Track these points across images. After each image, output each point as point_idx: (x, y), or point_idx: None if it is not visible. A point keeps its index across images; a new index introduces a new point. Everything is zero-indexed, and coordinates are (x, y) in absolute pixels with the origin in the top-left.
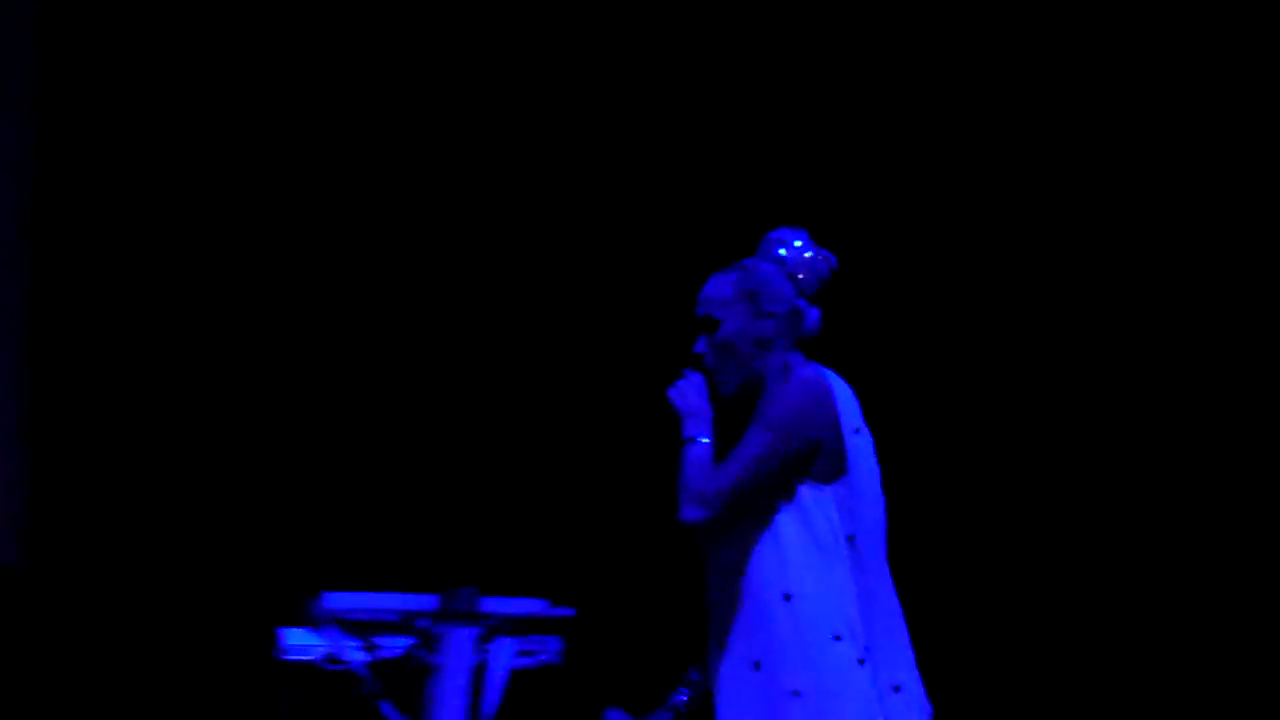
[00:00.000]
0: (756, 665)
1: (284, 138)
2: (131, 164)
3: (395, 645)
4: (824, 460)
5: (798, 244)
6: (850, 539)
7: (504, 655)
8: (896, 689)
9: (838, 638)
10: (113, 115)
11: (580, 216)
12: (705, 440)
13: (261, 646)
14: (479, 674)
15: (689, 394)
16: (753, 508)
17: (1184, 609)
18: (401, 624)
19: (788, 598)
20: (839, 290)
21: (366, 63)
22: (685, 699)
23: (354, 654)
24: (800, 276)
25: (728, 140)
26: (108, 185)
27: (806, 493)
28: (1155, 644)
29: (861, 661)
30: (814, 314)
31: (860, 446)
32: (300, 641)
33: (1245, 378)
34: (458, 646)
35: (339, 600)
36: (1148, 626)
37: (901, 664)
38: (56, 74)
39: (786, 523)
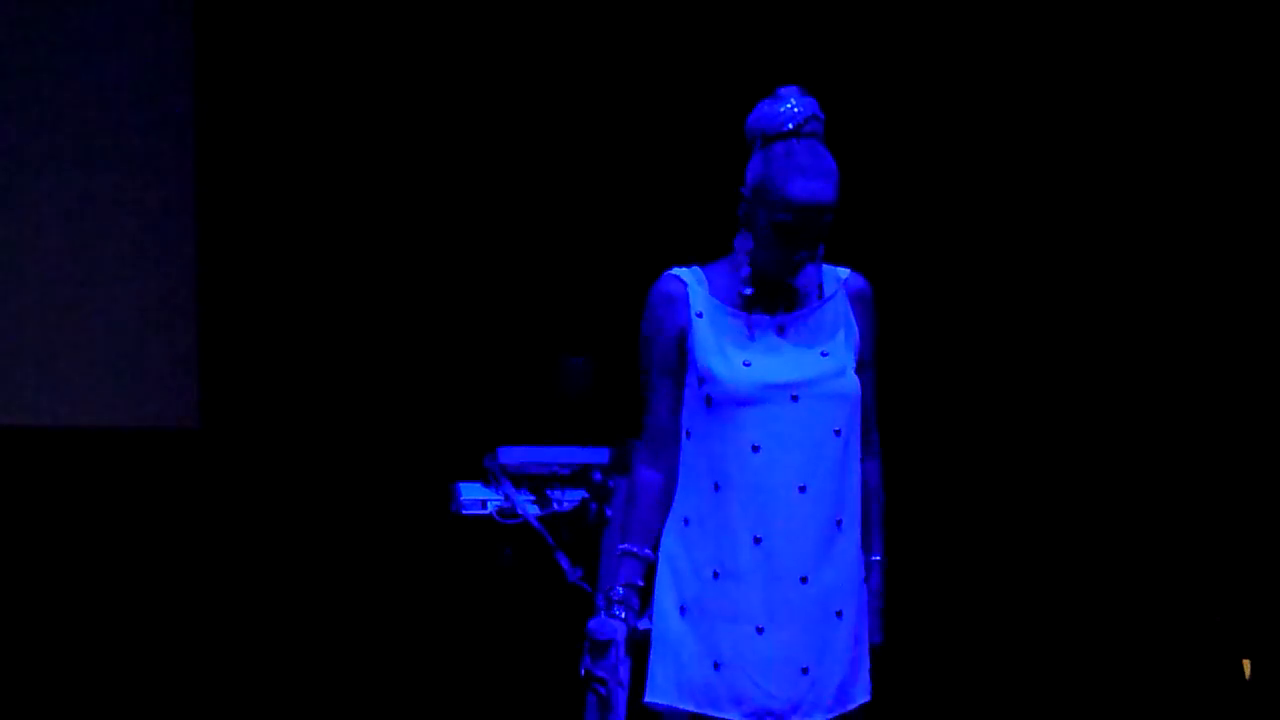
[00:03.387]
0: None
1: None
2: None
3: (568, 498)
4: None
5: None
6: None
7: None
8: (759, 630)
9: (715, 574)
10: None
11: None
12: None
13: (436, 502)
14: None
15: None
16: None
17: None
18: (574, 477)
19: (685, 522)
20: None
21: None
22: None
23: (527, 507)
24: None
25: None
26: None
27: (690, 413)
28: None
29: (682, 610)
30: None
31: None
32: (474, 496)
33: (1245, 377)
34: None
35: (512, 454)
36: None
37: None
38: None
39: (685, 446)
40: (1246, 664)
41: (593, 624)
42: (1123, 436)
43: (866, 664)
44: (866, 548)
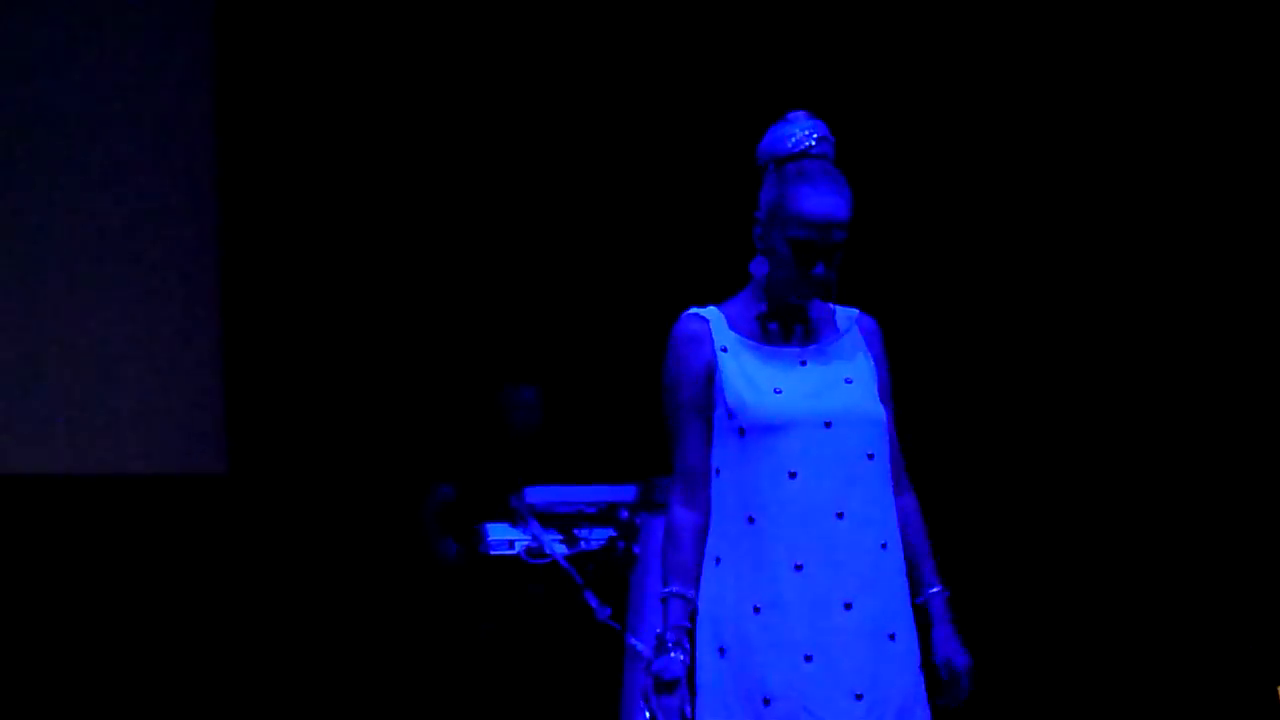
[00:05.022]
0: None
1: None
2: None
3: (595, 537)
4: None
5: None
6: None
7: None
8: (807, 658)
9: (756, 609)
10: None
11: None
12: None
13: (466, 542)
14: None
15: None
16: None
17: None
18: (601, 515)
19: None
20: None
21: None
22: None
23: (555, 546)
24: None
25: None
26: (292, 86)
27: (719, 449)
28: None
29: (722, 651)
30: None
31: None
32: (502, 536)
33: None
34: (657, 536)
35: (539, 494)
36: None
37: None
38: None
39: (715, 483)
40: None
41: (659, 664)
42: (1153, 453)
43: (923, 687)
44: (920, 581)
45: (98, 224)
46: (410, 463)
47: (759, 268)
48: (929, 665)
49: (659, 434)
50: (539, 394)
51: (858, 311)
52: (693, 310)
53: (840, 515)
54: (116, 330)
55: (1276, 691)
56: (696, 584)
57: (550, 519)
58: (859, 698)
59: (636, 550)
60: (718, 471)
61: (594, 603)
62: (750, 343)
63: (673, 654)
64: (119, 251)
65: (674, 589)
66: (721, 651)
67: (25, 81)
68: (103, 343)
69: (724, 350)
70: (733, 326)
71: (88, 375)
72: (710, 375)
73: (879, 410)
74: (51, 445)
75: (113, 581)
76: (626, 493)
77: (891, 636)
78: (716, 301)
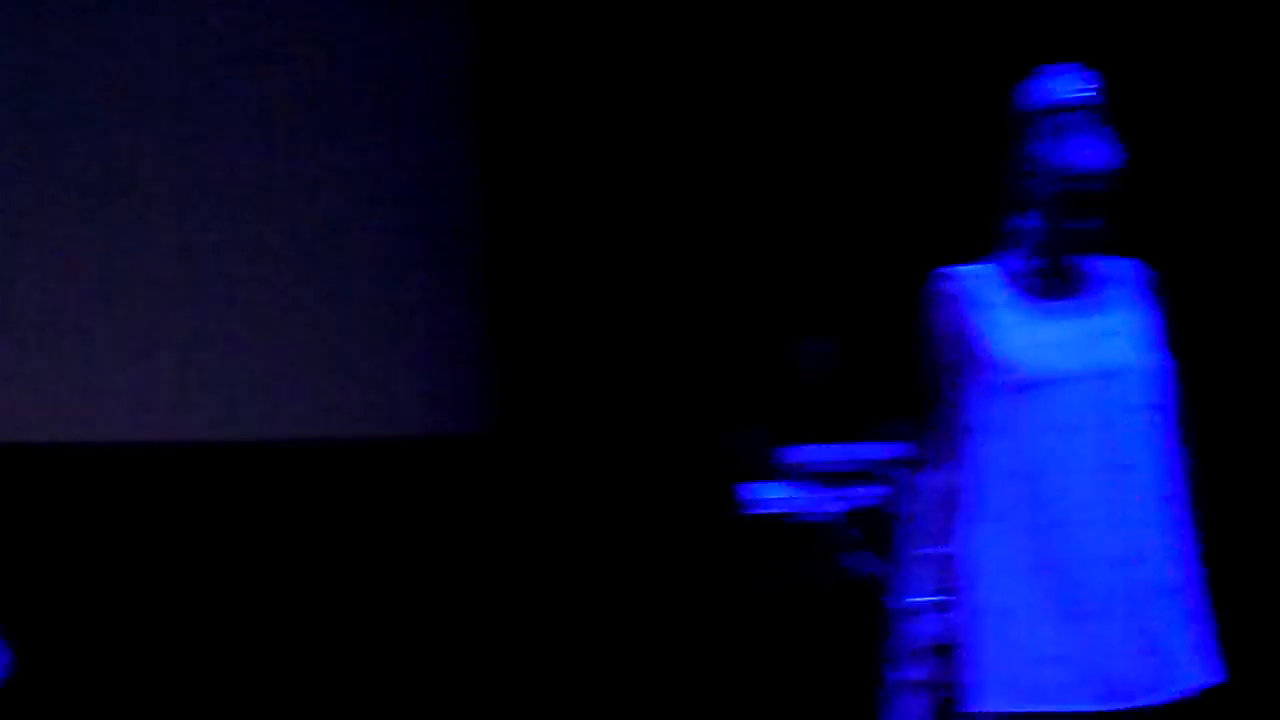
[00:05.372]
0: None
1: None
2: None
3: (866, 495)
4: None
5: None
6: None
7: None
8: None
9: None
10: None
11: None
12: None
13: (725, 503)
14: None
15: None
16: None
17: None
18: (872, 473)
19: None
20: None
21: None
22: None
23: (825, 505)
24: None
25: None
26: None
27: (986, 407)
28: None
29: (1000, 610)
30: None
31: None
32: (770, 495)
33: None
34: (929, 495)
35: (808, 452)
36: None
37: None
38: None
39: (983, 443)
40: None
41: (925, 626)
42: None
43: (1213, 642)
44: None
45: (368, 190)
46: (688, 421)
47: (1025, 221)
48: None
49: (922, 394)
50: (834, 345)
51: (1134, 261)
52: (950, 268)
53: (1122, 468)
54: (384, 296)
55: None
56: (959, 544)
57: (818, 477)
58: (1146, 652)
59: (907, 510)
60: (986, 430)
61: (862, 563)
62: (1022, 298)
63: (939, 615)
64: (387, 215)
65: (936, 550)
66: (999, 611)
67: (298, 53)
68: (371, 308)
69: (988, 306)
70: (1001, 283)
71: (357, 340)
72: (971, 333)
73: (1159, 361)
74: (322, 410)
75: (382, 543)
76: (894, 450)
77: (1176, 590)
78: (986, 257)
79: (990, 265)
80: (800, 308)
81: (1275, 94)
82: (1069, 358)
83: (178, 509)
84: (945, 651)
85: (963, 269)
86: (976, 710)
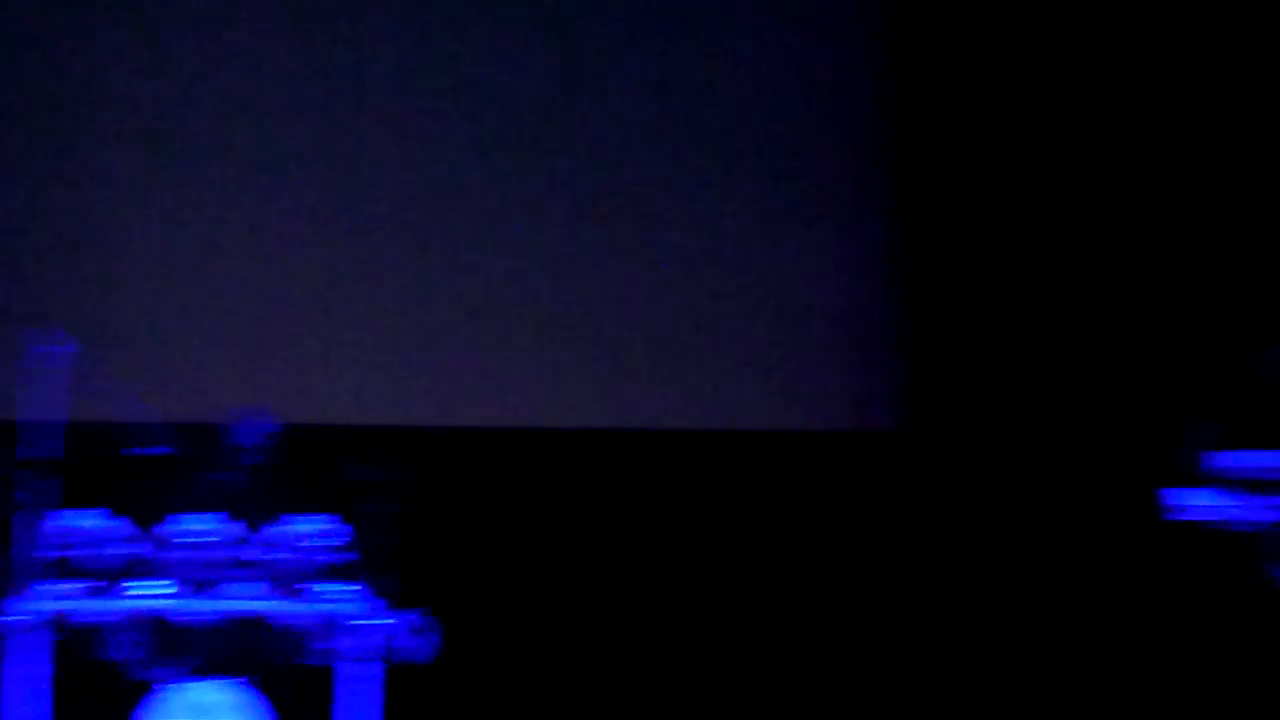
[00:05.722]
0: None
1: None
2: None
3: None
4: None
5: None
6: None
7: None
8: None
9: None
10: None
11: None
12: None
13: (1146, 508)
14: None
15: None
16: None
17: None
18: None
19: None
20: None
21: None
22: None
23: (1257, 513)
24: None
25: None
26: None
27: None
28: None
29: None
30: None
31: None
32: (1200, 502)
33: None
34: None
35: (1241, 458)
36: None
37: None
38: None
39: None
40: None
41: None
42: None
43: None
44: None
45: (793, 194)
46: (1110, 424)
47: None
48: None
49: None
50: None
51: None
52: None
53: None
54: (807, 297)
55: None
56: None
57: (1251, 484)
58: None
59: None
60: None
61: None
62: None
63: None
64: (810, 220)
65: None
66: None
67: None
68: (785, 308)
69: None
70: None
71: (769, 338)
72: None
73: None
74: (749, 404)
75: (786, 536)
76: None
77: None
78: None
79: None
80: (1244, 311)
81: None
82: None
83: (609, 490)
84: None
85: None
86: None
